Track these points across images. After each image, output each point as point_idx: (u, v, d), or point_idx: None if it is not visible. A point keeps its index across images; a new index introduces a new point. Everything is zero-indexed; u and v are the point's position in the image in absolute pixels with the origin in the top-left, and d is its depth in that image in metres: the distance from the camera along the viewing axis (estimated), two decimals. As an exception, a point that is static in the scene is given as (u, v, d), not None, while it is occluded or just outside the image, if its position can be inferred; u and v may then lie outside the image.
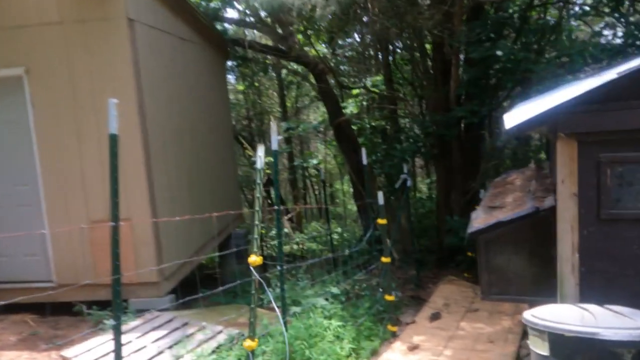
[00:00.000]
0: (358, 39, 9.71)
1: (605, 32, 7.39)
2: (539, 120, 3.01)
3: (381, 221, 5.12)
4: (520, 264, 3.67)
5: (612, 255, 3.09)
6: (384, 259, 5.18)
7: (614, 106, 2.89)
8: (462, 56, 8.77)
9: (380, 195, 5.09)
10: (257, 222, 3.29)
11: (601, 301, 3.11)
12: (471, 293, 6.81)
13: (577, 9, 8.74)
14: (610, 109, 2.89)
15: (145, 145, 5.78)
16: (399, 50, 10.77)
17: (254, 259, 3.28)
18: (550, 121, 3.01)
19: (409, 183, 8.80)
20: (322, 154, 22.53)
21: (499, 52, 7.59)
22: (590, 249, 3.12)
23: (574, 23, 8.89)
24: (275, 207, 4.21)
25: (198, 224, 7.08)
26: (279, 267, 4.13)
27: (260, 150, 3.39)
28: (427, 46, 10.12)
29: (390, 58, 10.59)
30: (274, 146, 4.02)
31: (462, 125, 8.85)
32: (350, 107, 10.89)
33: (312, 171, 19.63)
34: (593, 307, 2.77)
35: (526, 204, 3.88)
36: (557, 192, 3.16)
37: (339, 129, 9.97)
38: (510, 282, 3.73)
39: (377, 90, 10.14)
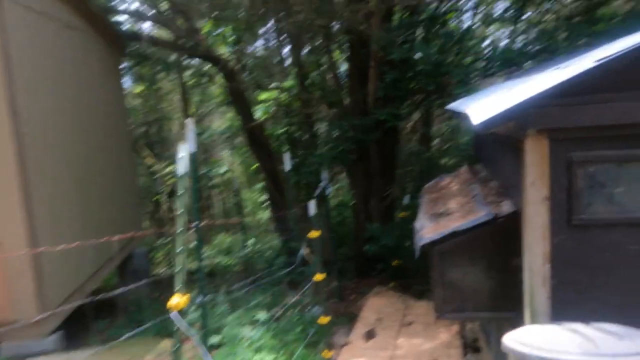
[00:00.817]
0: (271, 37, 9.11)
1: (519, 38, 7.56)
2: (509, 114, 2.63)
3: (314, 234, 4.55)
4: (478, 277, 3.30)
5: (583, 265, 2.82)
6: (318, 276, 4.61)
7: (591, 99, 2.60)
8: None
9: (312, 205, 4.52)
10: (181, 248, 2.53)
11: (573, 315, 2.82)
12: (401, 305, 6.47)
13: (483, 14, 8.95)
14: (587, 102, 2.60)
15: (19, 151, 4.66)
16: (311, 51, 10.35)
17: (177, 302, 2.50)
18: (521, 116, 2.65)
19: (328, 191, 8.37)
20: (228, 162, 21.55)
21: (417, 55, 7.47)
22: (561, 259, 2.82)
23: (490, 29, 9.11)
24: (194, 224, 3.45)
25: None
26: (199, 299, 3.37)
27: (183, 149, 2.65)
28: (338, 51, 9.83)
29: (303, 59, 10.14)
30: (191, 147, 3.27)
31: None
32: (259, 112, 10.24)
33: (219, 180, 18.60)
34: (582, 328, 2.46)
35: (478, 210, 3.54)
36: (524, 196, 2.82)
37: (251, 134, 9.27)
38: (467, 298, 3.35)
39: (285, 97, 9.61)
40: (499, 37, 9.56)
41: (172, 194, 11.89)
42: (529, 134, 2.73)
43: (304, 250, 9.24)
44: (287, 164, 6.60)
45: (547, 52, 6.86)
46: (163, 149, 16.80)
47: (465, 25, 8.24)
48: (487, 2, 9.71)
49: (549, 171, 2.76)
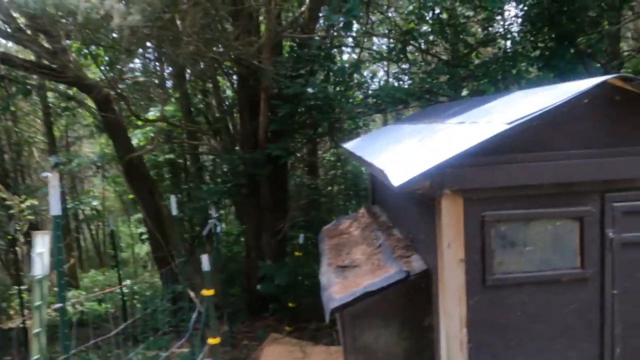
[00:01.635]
0: (150, 58, 8.38)
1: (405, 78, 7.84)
2: (427, 175, 2.49)
3: (206, 292, 4.04)
4: (391, 339, 3.11)
5: (498, 326, 2.76)
6: (212, 340, 4.08)
7: (504, 159, 2.56)
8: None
9: (205, 260, 4.02)
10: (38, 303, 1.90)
11: (488, 379, 2.73)
12: (300, 353, 6.12)
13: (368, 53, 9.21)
14: (500, 162, 2.56)
15: None
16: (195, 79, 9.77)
17: None
18: (437, 176, 2.53)
19: (218, 229, 7.82)
20: (99, 191, 19.64)
21: (310, 90, 7.36)
22: (477, 322, 2.73)
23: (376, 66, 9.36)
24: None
25: None
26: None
27: (40, 243, 2.05)
28: (220, 79, 9.41)
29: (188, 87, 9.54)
30: (55, 210, 2.63)
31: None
32: (136, 139, 9.33)
33: (90, 212, 16.80)
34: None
35: (388, 266, 3.38)
36: (441, 259, 2.70)
37: (129, 166, 8.37)
38: (380, 361, 3.12)
39: (165, 124, 8.90)
40: (388, 75, 9.92)
41: (30, 231, 10.28)
42: (444, 194, 2.61)
43: (192, 295, 8.51)
44: (174, 207, 5.95)
45: (430, 92, 7.18)
46: (22, 177, 14.70)
47: (354, 62, 8.38)
48: (368, 39, 10.06)
49: (464, 232, 2.66)
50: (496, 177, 2.58)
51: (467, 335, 2.72)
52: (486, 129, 2.54)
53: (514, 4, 8.06)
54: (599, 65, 7.43)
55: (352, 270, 3.67)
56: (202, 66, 7.14)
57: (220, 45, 6.79)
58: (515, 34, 8.27)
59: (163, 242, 8.61)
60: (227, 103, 9.43)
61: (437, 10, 8.19)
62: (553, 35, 8.01)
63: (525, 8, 7.92)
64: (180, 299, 7.93)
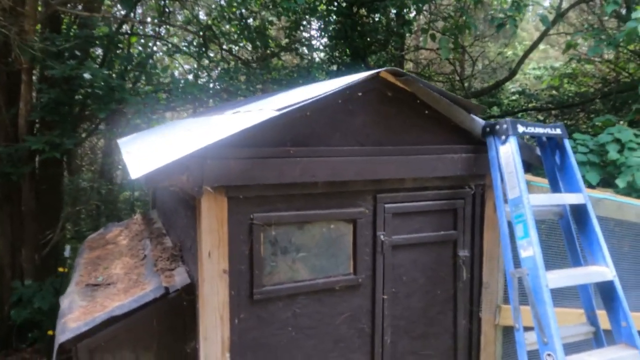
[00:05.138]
0: None
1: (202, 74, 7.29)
2: (180, 167, 1.99)
3: None
4: (144, 373, 2.49)
5: (267, 347, 2.38)
6: None
7: (273, 153, 2.20)
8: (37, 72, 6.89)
9: None
10: None
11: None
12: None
13: (168, 45, 8.43)
14: (269, 155, 2.20)
15: None
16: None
17: None
18: (195, 169, 2.04)
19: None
20: None
21: (86, 75, 6.26)
22: (243, 344, 2.30)
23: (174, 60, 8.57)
24: None
25: None
26: None
27: None
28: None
29: None
30: None
31: (37, 160, 6.89)
32: None
33: None
34: None
35: (147, 281, 2.76)
36: (201, 269, 2.21)
37: None
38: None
39: None
40: (185, 71, 9.21)
41: None
42: (205, 192, 2.14)
43: None
44: None
45: (228, 92, 6.78)
46: None
47: (146, 52, 7.49)
48: (171, 33, 9.29)
49: (229, 238, 2.23)
50: (266, 173, 2.21)
51: (230, 360, 2.28)
52: (254, 117, 2.17)
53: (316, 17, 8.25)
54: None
55: (105, 289, 2.95)
56: None
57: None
58: (317, 45, 8.50)
59: None
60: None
61: (243, 11, 7.91)
62: (348, 51, 8.44)
63: (326, 20, 8.17)
64: None
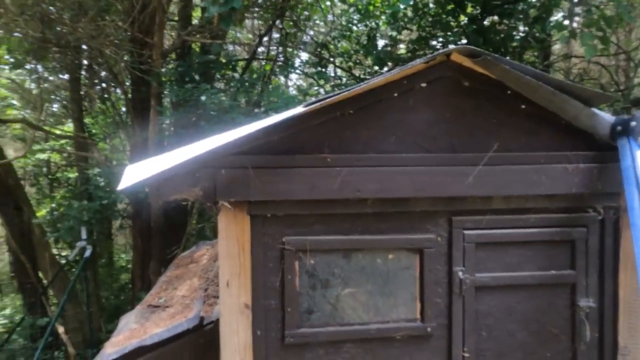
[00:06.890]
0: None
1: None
2: (189, 178, 1.66)
3: None
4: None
5: (304, 403, 1.91)
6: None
7: (306, 161, 1.76)
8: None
9: None
10: None
11: None
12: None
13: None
14: (299, 164, 1.76)
15: None
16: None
17: None
18: (206, 180, 1.70)
19: (88, 253, 6.68)
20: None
21: (202, 98, 6.52)
22: (270, 397, 1.87)
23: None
24: None
25: None
26: None
27: None
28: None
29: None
30: None
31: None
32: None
33: None
34: None
35: (194, 307, 2.49)
36: (220, 301, 1.85)
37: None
38: None
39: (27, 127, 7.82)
40: (298, 88, 9.25)
41: None
42: (222, 208, 1.78)
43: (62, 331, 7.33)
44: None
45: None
46: None
47: (260, 72, 7.66)
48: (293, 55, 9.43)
49: (252, 265, 1.83)
50: (294, 186, 1.77)
51: (253, 418, 1.85)
52: (280, 115, 1.75)
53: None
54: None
55: (160, 312, 2.76)
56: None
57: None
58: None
59: (30, 267, 7.35)
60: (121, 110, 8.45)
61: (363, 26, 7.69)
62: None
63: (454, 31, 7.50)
64: (42, 333, 6.73)
